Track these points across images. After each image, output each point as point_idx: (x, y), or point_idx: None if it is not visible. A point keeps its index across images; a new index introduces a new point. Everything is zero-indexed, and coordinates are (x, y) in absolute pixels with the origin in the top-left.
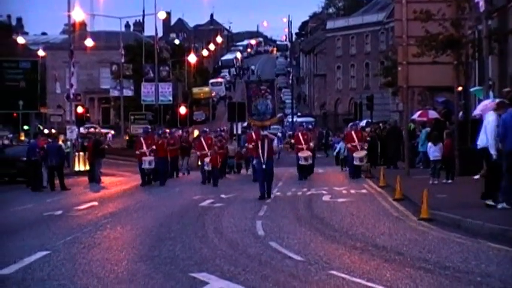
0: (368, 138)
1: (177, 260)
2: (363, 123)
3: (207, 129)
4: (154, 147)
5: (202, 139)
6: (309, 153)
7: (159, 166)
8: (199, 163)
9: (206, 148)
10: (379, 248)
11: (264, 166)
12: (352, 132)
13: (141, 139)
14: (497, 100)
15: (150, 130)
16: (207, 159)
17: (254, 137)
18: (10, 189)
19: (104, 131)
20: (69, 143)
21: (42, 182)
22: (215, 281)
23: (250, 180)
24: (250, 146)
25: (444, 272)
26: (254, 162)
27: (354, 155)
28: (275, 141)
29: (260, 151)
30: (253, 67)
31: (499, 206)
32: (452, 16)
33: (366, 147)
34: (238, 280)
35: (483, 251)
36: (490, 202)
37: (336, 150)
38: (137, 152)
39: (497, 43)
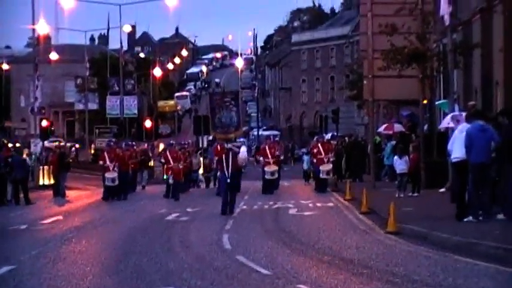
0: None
1: (144, 274)
2: (329, 136)
3: (173, 142)
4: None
5: (167, 152)
6: (275, 167)
7: (121, 179)
8: (165, 176)
9: (171, 161)
10: (346, 261)
11: (228, 180)
12: (319, 145)
13: (104, 153)
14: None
15: (112, 143)
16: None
17: (218, 150)
18: None
19: (68, 144)
20: (33, 156)
21: (6, 195)
22: None
23: (214, 194)
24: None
25: (412, 285)
26: (218, 175)
27: (320, 168)
28: (244, 151)
29: (224, 165)
30: (218, 80)
31: (465, 219)
32: (418, 30)
33: (332, 160)
34: None
35: (450, 264)
36: (470, 218)
37: (305, 164)
38: (100, 162)
39: (462, 56)
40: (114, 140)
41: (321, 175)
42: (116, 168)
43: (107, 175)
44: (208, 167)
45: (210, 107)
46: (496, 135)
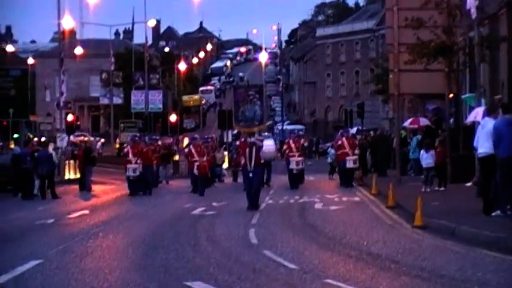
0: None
1: (171, 268)
2: (354, 130)
3: (197, 136)
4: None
5: (191, 147)
6: (300, 158)
7: (145, 174)
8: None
9: (196, 156)
10: (373, 256)
11: (251, 174)
12: (344, 139)
13: (128, 147)
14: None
15: (137, 138)
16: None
17: (242, 144)
18: (0, 197)
19: (93, 139)
20: (59, 151)
21: (33, 190)
22: None
23: (240, 189)
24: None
25: (441, 280)
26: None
27: (347, 158)
28: (271, 144)
29: (248, 158)
30: (242, 74)
31: (493, 213)
32: (444, 23)
33: (357, 154)
34: None
35: (479, 259)
36: (498, 213)
37: (329, 157)
38: (126, 158)
39: (488, 50)
40: (138, 134)
41: (347, 165)
42: (139, 162)
43: (129, 166)
44: (233, 161)
45: (233, 100)
46: None
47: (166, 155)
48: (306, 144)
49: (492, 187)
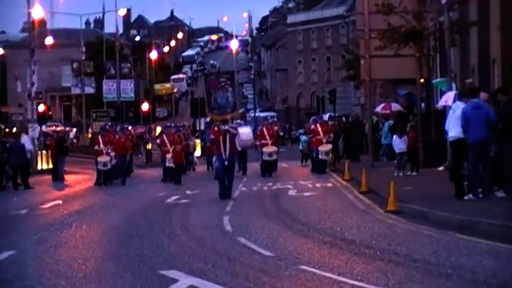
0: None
1: (145, 257)
2: (326, 117)
3: (171, 125)
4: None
5: (164, 135)
6: (273, 148)
7: (118, 164)
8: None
9: (168, 144)
10: (348, 241)
11: (226, 163)
12: (317, 125)
13: (98, 136)
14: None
15: (107, 127)
16: (169, 156)
17: (215, 132)
18: None
19: (67, 128)
20: (35, 140)
21: (5, 181)
22: (185, 278)
23: (212, 177)
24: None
25: (415, 264)
26: (214, 159)
27: (319, 148)
28: (249, 132)
29: (222, 147)
30: (213, 62)
31: (466, 197)
32: (414, 8)
33: (331, 140)
34: (208, 277)
35: (452, 243)
36: (470, 196)
37: (301, 144)
38: (95, 148)
39: (458, 35)
40: (109, 123)
41: (320, 156)
42: (110, 152)
43: (99, 159)
44: (207, 149)
45: (205, 87)
46: (492, 113)
47: (137, 144)
48: (281, 133)
49: (463, 171)
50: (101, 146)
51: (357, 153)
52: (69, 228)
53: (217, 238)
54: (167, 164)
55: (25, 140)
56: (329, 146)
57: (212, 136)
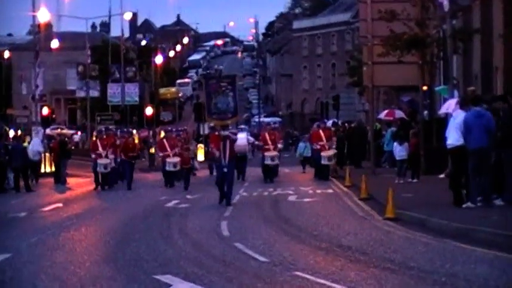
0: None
1: (141, 261)
2: (329, 123)
3: (172, 129)
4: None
5: (164, 140)
6: (275, 153)
7: (124, 168)
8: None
9: (169, 149)
10: (344, 248)
11: (225, 169)
12: (320, 131)
13: (97, 140)
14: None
15: (103, 130)
16: (169, 160)
17: (215, 137)
18: None
19: (71, 131)
20: (45, 142)
21: (4, 183)
22: (179, 283)
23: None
24: (212, 147)
25: (409, 272)
26: (214, 165)
27: (322, 154)
28: (243, 138)
29: (222, 153)
30: (221, 67)
31: (464, 205)
32: (417, 16)
33: (334, 146)
34: (202, 282)
35: (448, 250)
36: (469, 204)
37: (298, 151)
38: (92, 155)
39: (461, 42)
40: (109, 127)
41: (322, 161)
42: (110, 155)
43: (99, 161)
44: (209, 154)
45: (205, 92)
46: (492, 122)
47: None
48: (280, 144)
49: (463, 179)
50: (100, 149)
51: (359, 159)
52: (67, 231)
53: (213, 243)
54: (167, 168)
55: (35, 141)
56: (332, 152)
57: (211, 142)
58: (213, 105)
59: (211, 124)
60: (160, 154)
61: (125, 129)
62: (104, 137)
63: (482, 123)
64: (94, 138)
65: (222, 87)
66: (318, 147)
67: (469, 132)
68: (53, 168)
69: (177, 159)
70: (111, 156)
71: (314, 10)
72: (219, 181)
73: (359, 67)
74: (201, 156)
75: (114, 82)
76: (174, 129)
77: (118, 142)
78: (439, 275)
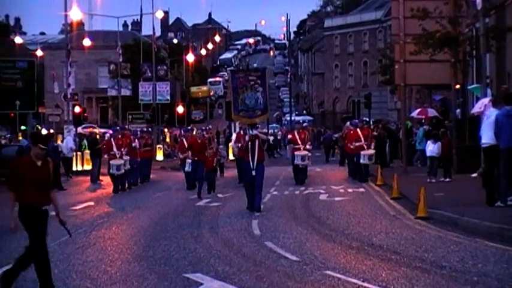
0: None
1: (172, 260)
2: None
3: (192, 128)
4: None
5: (184, 140)
6: (306, 152)
7: (143, 167)
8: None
9: (115, 149)
10: (375, 247)
11: (253, 172)
12: (358, 130)
13: (111, 140)
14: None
15: (117, 129)
16: (113, 162)
17: (241, 136)
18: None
19: (102, 130)
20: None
21: None
22: (209, 282)
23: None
24: (238, 147)
25: (441, 271)
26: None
27: (362, 152)
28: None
29: (250, 154)
30: (255, 65)
31: (496, 204)
32: (450, 14)
33: (373, 147)
34: (233, 281)
35: (480, 250)
36: (499, 203)
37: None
38: (105, 156)
39: (494, 40)
40: (121, 125)
41: (361, 160)
42: (124, 156)
43: (112, 162)
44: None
45: (231, 86)
46: None
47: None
48: (309, 146)
49: (495, 177)
50: (114, 149)
51: (390, 158)
52: (98, 229)
53: (244, 242)
54: (186, 169)
55: (68, 139)
56: (372, 151)
57: (238, 144)
58: (241, 101)
59: (237, 122)
60: (181, 156)
61: (142, 129)
62: (119, 136)
63: None
64: (107, 138)
65: (251, 81)
66: (355, 146)
67: (500, 131)
68: (86, 167)
69: (121, 161)
70: (126, 158)
71: (346, 8)
72: (247, 186)
73: (391, 65)
74: (230, 155)
75: (145, 81)
76: (194, 129)
77: (135, 144)
78: (470, 275)
